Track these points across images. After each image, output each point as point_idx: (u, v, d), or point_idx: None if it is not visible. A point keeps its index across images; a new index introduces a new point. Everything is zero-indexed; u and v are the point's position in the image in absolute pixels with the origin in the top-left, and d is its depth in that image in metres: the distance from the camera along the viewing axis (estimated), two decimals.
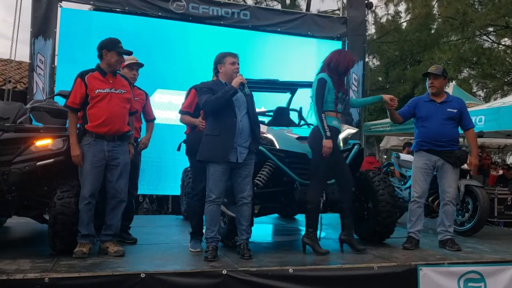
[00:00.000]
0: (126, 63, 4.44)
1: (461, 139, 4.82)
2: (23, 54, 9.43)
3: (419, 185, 4.54)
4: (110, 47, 3.92)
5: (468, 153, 4.63)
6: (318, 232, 4.26)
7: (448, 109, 4.53)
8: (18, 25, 7.26)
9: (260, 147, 4.19)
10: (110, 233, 3.94)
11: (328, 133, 4.06)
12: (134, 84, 4.60)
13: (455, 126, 4.57)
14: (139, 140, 4.65)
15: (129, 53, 4.01)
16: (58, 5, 7.48)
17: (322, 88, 4.16)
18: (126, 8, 7.84)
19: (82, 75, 3.87)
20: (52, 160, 3.80)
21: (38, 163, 3.75)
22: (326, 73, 4.23)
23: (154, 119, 4.90)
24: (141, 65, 4.65)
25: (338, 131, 4.29)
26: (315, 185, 4.17)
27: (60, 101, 4.57)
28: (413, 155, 4.80)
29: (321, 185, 4.22)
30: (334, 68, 4.22)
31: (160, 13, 7.96)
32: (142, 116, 4.75)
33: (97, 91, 3.82)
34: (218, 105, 3.85)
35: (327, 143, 4.06)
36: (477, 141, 4.70)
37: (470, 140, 4.66)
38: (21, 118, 3.96)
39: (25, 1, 7.30)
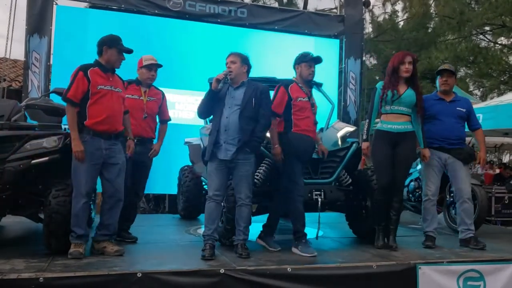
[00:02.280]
0: (144, 63, 4.42)
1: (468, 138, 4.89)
2: (19, 52, 9.37)
3: (432, 183, 4.53)
4: (111, 44, 3.85)
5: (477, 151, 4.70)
6: (316, 231, 4.24)
7: (457, 108, 4.58)
8: (13, 23, 7.21)
9: None
10: (108, 233, 3.89)
11: (364, 137, 4.37)
12: (152, 84, 4.57)
13: (463, 125, 4.63)
14: (154, 141, 4.58)
15: (130, 51, 3.93)
16: (54, 3, 7.43)
17: (372, 96, 4.43)
18: (123, 6, 7.79)
19: (84, 69, 3.76)
20: (47, 158, 3.75)
21: (33, 161, 3.70)
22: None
23: (169, 120, 4.76)
24: (159, 66, 4.56)
25: (383, 133, 4.29)
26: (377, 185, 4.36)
27: (55, 99, 4.51)
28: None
29: (379, 186, 4.31)
30: (387, 70, 4.37)
31: (156, 11, 7.92)
32: (160, 117, 4.67)
33: (99, 87, 3.75)
34: (201, 109, 4.06)
35: (362, 145, 4.38)
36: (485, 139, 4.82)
37: (479, 139, 4.73)
38: (16, 115, 3.91)
39: None
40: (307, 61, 4.20)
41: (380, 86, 4.38)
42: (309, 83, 4.31)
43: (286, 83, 4.23)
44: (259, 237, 4.30)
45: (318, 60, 4.24)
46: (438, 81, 4.69)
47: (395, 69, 4.31)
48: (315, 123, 4.28)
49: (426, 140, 4.50)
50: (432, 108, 4.59)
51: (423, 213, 4.60)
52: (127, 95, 4.24)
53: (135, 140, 4.26)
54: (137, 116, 4.35)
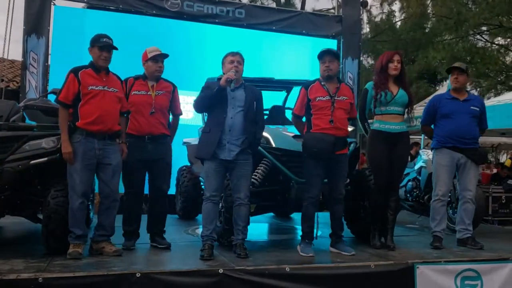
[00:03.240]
0: (149, 55, 4.22)
1: None
2: (16, 53, 9.35)
3: (444, 183, 4.52)
4: (92, 43, 3.86)
5: None
6: (315, 231, 4.25)
7: (471, 107, 4.54)
8: (11, 24, 7.20)
9: None
10: (105, 234, 3.89)
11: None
12: (161, 77, 4.32)
13: (477, 124, 4.58)
14: (168, 137, 4.34)
15: (108, 46, 3.85)
16: (52, 3, 7.40)
17: (362, 98, 4.46)
18: (120, 6, 7.78)
19: (75, 71, 3.79)
20: (45, 158, 3.75)
21: (32, 162, 3.70)
22: (373, 79, 4.42)
23: (180, 114, 4.51)
24: (166, 56, 4.31)
25: (380, 133, 4.31)
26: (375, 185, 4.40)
27: (53, 99, 4.51)
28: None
29: (378, 187, 4.35)
30: (375, 70, 4.43)
31: (154, 11, 7.91)
32: (171, 111, 4.39)
33: (90, 87, 3.76)
34: (202, 104, 3.98)
35: None
36: None
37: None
38: (14, 116, 3.91)
39: None
40: (319, 57, 4.16)
41: (370, 86, 4.39)
42: (332, 79, 4.15)
43: (307, 84, 4.23)
44: (331, 245, 4.24)
45: (327, 52, 4.13)
46: (449, 79, 4.68)
47: (384, 67, 4.34)
48: (332, 120, 4.03)
49: (440, 139, 4.55)
50: (445, 107, 4.57)
51: (432, 213, 4.59)
52: (134, 92, 4.15)
53: (147, 139, 4.13)
54: (145, 113, 4.13)
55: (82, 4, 8.28)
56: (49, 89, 6.66)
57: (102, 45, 3.83)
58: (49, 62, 7.36)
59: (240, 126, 3.89)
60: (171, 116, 4.43)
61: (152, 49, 4.27)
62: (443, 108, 4.58)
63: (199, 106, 4.05)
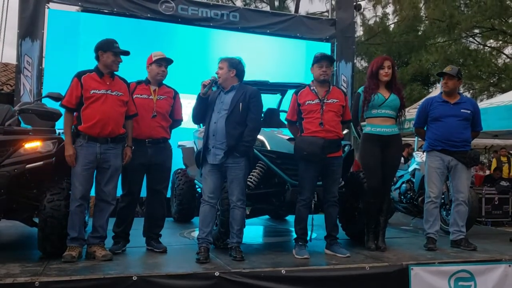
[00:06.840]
0: (154, 59, 4.25)
1: None
2: (9, 56, 9.32)
3: (435, 186, 4.55)
4: (105, 47, 3.87)
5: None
6: (309, 233, 4.28)
7: (462, 110, 4.57)
8: (5, 27, 7.19)
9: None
10: (97, 235, 3.89)
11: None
12: (163, 82, 4.34)
13: (468, 127, 4.60)
14: (169, 140, 4.37)
15: (126, 53, 3.92)
16: (46, 6, 7.41)
17: (354, 102, 4.50)
18: (115, 9, 7.79)
19: (79, 75, 3.83)
20: (41, 162, 3.75)
21: (27, 166, 3.70)
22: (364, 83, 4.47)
23: (181, 119, 4.51)
24: (170, 61, 4.32)
25: (373, 136, 4.35)
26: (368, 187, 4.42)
27: (49, 103, 4.51)
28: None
29: (371, 189, 4.36)
30: (367, 75, 4.47)
31: (149, 15, 7.93)
32: (172, 116, 4.37)
33: (92, 91, 3.78)
34: (192, 113, 4.17)
35: None
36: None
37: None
38: (10, 120, 3.90)
39: (12, 2, 7.23)
40: (317, 61, 4.19)
41: (362, 90, 4.45)
42: (325, 83, 4.21)
43: (298, 89, 4.31)
44: (326, 248, 4.26)
45: (326, 58, 4.18)
46: (441, 83, 4.76)
47: (374, 74, 4.39)
48: (322, 123, 4.06)
49: (430, 142, 4.59)
50: (435, 110, 4.61)
51: (425, 215, 4.63)
52: (136, 96, 4.15)
53: (147, 142, 4.15)
54: (146, 117, 4.15)
55: (76, 8, 8.29)
56: (44, 92, 6.66)
57: (118, 52, 3.88)
58: (44, 66, 7.35)
59: (223, 130, 3.91)
60: None
61: (157, 54, 4.30)
62: (433, 111, 4.63)
63: (192, 116, 4.19)
